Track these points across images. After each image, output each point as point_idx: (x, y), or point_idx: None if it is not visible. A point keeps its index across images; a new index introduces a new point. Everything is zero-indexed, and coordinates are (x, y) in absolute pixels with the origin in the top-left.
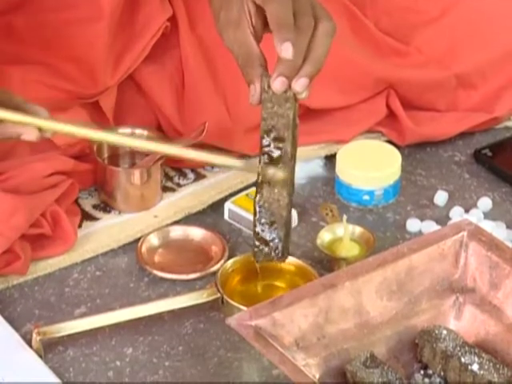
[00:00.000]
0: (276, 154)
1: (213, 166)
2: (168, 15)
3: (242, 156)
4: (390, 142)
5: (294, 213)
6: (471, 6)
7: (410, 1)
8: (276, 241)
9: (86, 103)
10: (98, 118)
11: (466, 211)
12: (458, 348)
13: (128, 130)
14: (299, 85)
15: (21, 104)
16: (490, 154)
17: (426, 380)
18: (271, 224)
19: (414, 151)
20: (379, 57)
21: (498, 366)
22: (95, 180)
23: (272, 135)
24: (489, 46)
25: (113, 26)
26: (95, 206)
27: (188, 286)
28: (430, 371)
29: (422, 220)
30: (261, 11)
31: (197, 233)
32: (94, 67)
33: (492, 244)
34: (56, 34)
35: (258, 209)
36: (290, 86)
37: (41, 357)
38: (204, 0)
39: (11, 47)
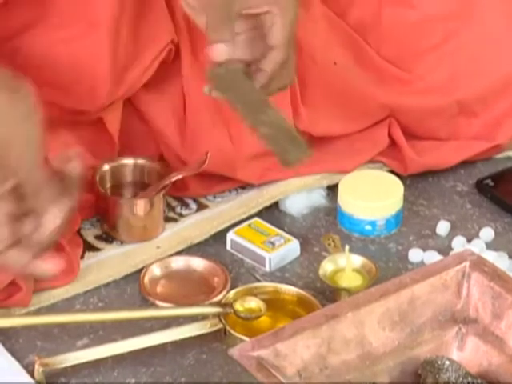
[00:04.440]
0: None
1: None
2: (172, 36)
3: (246, 184)
4: (392, 171)
5: (297, 243)
6: (473, 34)
7: (412, 29)
8: None
9: (91, 123)
10: (104, 139)
11: (469, 241)
12: (461, 379)
13: (131, 161)
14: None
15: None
16: (491, 184)
17: None
18: None
19: (415, 181)
20: (381, 84)
21: None
22: (97, 210)
23: None
24: (490, 73)
25: (113, 37)
26: (97, 237)
27: (190, 317)
28: None
29: (424, 250)
30: None
31: (199, 263)
32: (94, 80)
33: (494, 274)
34: (57, 52)
35: None
36: None
37: None
38: None
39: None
